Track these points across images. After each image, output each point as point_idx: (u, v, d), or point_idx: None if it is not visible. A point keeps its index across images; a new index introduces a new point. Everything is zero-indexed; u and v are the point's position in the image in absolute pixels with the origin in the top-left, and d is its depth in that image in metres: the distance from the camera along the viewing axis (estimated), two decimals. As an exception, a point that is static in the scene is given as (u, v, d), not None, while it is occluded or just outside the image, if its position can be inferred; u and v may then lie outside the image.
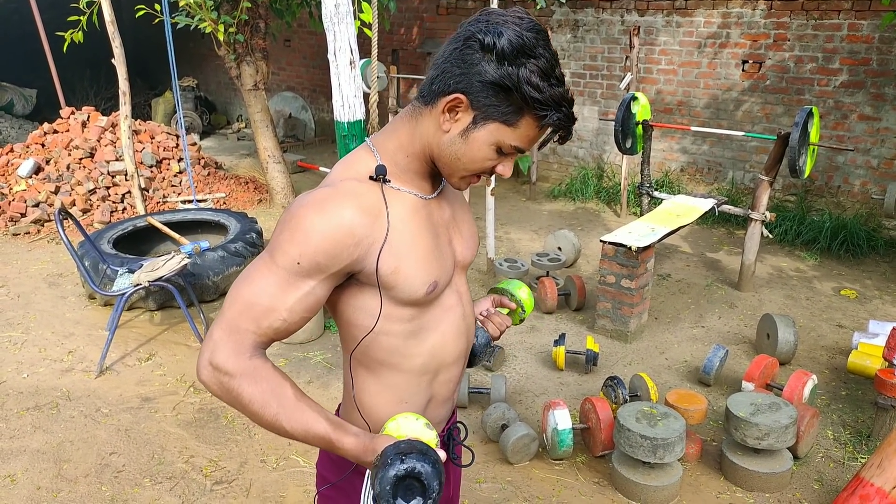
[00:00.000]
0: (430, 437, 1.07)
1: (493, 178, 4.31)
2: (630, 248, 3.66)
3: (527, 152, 1.15)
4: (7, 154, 6.47)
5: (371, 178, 1.12)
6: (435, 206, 1.22)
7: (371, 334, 1.16)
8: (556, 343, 3.58)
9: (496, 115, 1.05)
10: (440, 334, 1.22)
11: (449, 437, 1.38)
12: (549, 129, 1.09)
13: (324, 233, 1.05)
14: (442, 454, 1.05)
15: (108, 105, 10.45)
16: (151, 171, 6.47)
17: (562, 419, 2.80)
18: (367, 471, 1.26)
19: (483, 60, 1.03)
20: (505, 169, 1.13)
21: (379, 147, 1.16)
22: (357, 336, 1.18)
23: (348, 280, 1.13)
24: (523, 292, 1.49)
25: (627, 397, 3.07)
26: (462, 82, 1.05)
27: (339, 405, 1.36)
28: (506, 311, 1.47)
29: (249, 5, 5.24)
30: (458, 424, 1.42)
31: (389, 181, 1.14)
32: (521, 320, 1.51)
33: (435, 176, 1.20)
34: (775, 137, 4.28)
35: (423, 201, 1.18)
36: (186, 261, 3.84)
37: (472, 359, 1.40)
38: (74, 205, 5.91)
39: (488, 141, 1.07)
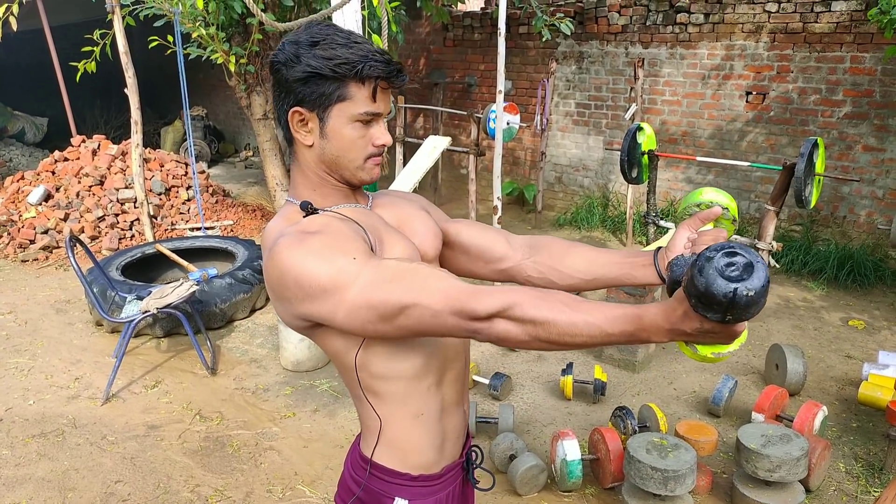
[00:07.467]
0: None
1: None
2: (637, 277, 3.65)
3: (386, 113, 1.19)
4: (18, 181, 6.54)
5: (305, 216, 1.19)
6: (373, 213, 1.28)
7: (366, 343, 1.16)
8: (564, 372, 3.57)
9: (329, 100, 1.14)
10: None
11: (468, 462, 1.40)
12: (376, 80, 1.14)
13: (328, 237, 1.10)
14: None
15: (117, 133, 10.59)
16: (160, 199, 6.52)
17: (571, 450, 2.78)
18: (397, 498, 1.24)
19: (289, 70, 1.14)
20: (379, 135, 1.19)
21: (297, 198, 1.24)
22: (354, 348, 1.17)
23: None
24: (709, 195, 1.23)
25: (637, 428, 3.05)
26: (289, 99, 1.16)
27: (358, 437, 1.35)
28: (709, 225, 1.24)
29: (261, 37, 5.33)
30: (474, 448, 1.43)
31: (319, 210, 1.20)
32: (735, 221, 1.25)
33: (355, 191, 1.27)
34: (781, 168, 4.30)
35: (363, 209, 1.25)
36: (195, 288, 3.86)
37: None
38: (83, 231, 5.95)
39: (342, 123, 1.16)
